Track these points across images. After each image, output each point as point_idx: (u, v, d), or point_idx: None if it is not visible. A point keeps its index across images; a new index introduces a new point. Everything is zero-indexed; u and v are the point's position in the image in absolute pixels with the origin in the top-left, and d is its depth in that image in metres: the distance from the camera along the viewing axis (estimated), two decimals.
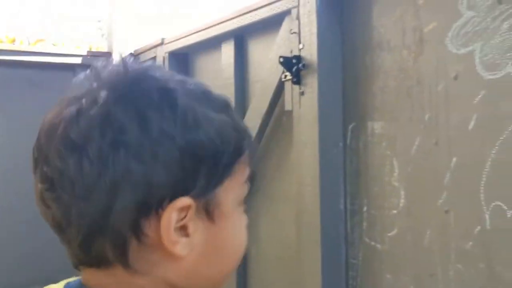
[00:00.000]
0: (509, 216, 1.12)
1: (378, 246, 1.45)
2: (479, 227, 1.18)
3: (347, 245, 1.55)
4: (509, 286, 1.13)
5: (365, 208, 1.49)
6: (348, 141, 1.54)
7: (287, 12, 1.64)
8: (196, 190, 0.50)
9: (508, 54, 1.12)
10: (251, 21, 1.84)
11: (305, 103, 1.55)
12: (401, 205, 1.38)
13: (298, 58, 1.55)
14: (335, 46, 1.53)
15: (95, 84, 0.53)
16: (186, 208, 0.50)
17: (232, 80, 1.99)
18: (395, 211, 1.40)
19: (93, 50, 2.76)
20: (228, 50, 2.02)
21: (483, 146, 1.16)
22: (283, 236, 1.81)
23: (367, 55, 1.47)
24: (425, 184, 1.31)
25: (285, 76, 1.62)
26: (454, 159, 1.23)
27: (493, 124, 1.15)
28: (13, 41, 2.65)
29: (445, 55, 1.24)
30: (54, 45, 2.75)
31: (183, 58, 2.36)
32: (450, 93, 1.24)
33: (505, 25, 1.12)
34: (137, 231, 0.50)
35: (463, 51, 1.19)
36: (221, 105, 0.55)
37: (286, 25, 1.66)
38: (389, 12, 1.40)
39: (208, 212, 0.52)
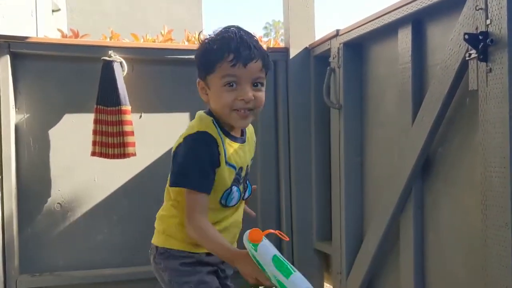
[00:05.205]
0: None
1: None
2: None
3: None
4: None
5: None
6: None
7: None
8: (201, 77, 1.45)
9: None
10: (429, 3, 1.81)
11: (493, 80, 1.48)
12: None
13: (485, 34, 1.49)
14: None
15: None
16: (201, 84, 1.46)
17: (409, 65, 1.97)
18: None
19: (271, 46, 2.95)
20: (405, 35, 2.01)
21: None
22: (466, 222, 1.74)
23: None
24: None
25: (469, 54, 1.57)
26: None
27: None
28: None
29: None
30: None
31: (357, 48, 2.41)
32: None
33: None
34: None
35: None
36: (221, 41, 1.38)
37: (470, 2, 1.60)
38: None
39: (208, 86, 1.43)
